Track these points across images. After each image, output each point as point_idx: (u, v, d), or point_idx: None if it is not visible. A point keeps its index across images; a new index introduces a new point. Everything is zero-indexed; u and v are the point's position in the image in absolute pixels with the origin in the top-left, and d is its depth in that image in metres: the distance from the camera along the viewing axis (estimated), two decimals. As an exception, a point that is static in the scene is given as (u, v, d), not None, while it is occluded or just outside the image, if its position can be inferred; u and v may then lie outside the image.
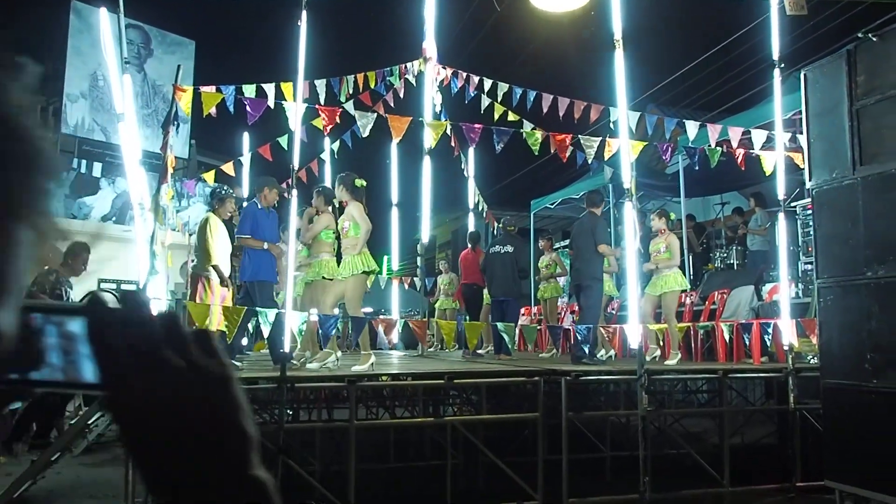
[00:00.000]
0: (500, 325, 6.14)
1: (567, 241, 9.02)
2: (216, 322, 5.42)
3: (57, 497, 6.80)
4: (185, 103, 5.59)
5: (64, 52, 15.45)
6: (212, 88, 5.64)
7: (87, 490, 7.27)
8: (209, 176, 8.33)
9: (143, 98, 15.95)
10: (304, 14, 5.32)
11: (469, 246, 9.32)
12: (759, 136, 6.63)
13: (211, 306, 5.44)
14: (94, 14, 13.87)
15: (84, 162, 14.60)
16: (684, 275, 7.26)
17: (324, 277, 6.51)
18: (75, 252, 6.45)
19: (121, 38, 7.57)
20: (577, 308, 7.61)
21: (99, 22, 8.13)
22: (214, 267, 5.61)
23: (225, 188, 6.08)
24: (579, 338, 6.15)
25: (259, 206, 6.07)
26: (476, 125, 5.83)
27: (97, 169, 14.60)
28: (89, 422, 6.70)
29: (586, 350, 6.34)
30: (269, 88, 6.04)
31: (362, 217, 5.84)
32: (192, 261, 7.37)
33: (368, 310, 10.65)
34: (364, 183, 6.09)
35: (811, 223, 7.23)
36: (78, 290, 7.11)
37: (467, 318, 9.17)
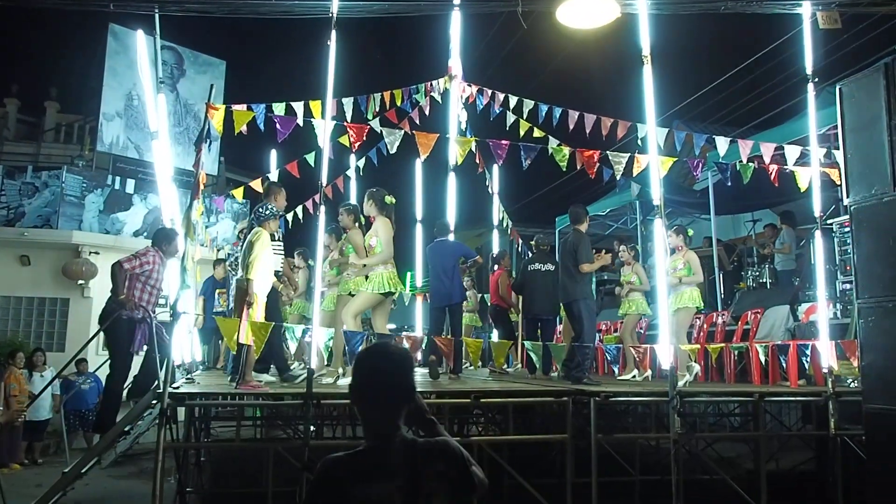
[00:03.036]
0: (528, 343, 6.06)
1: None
2: (245, 337, 5.39)
3: (85, 510, 6.84)
4: (217, 121, 5.63)
5: (101, 73, 15.90)
6: (243, 107, 5.69)
7: (116, 502, 7.34)
8: (238, 192, 8.42)
9: (175, 117, 16.30)
10: (333, 33, 5.36)
11: (492, 267, 9.25)
12: (792, 152, 6.48)
13: (241, 322, 5.42)
14: (130, 36, 14.26)
15: (118, 178, 14.91)
16: (701, 294, 7.05)
17: (350, 294, 6.51)
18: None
19: (156, 59, 7.75)
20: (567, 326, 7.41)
21: (135, 43, 8.36)
22: (248, 280, 5.58)
23: (271, 207, 6.06)
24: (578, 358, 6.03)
25: None
26: (503, 141, 5.78)
27: (130, 185, 14.89)
28: (118, 433, 6.74)
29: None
30: (298, 106, 6.08)
31: (388, 238, 5.83)
32: (232, 273, 7.42)
33: (392, 326, 10.67)
34: (393, 200, 6.10)
35: (848, 241, 7.06)
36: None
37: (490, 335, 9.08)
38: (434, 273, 7.22)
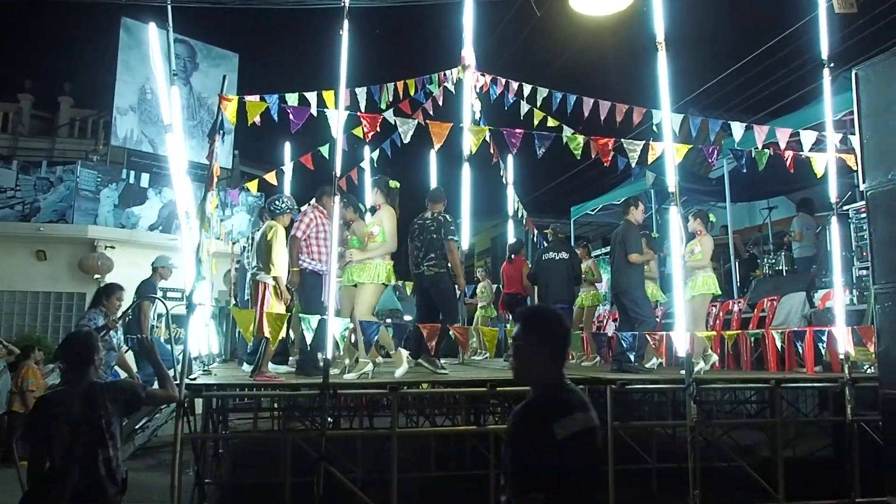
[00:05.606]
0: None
1: (608, 248, 8.89)
2: (261, 328, 5.40)
3: (106, 500, 6.90)
4: (230, 112, 5.64)
5: (114, 67, 15.96)
6: (256, 97, 5.71)
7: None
8: (252, 185, 8.46)
9: (188, 110, 16.34)
10: (345, 23, 5.36)
11: (510, 256, 9.26)
12: (808, 138, 6.43)
13: (255, 313, 5.44)
14: (142, 30, 14.28)
15: (132, 173, 15.01)
16: (717, 279, 7.02)
17: (355, 284, 6.54)
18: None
19: (169, 51, 7.77)
20: (618, 316, 7.47)
21: (147, 37, 8.38)
22: (276, 279, 5.64)
23: (285, 200, 6.07)
24: (625, 345, 6.02)
25: None
26: (517, 130, 5.76)
27: (145, 179, 15.00)
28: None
29: (631, 357, 6.22)
30: (312, 97, 6.09)
31: (392, 230, 5.83)
32: (249, 265, 7.44)
33: (408, 318, 10.60)
34: (398, 185, 6.07)
35: (865, 227, 6.99)
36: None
37: (507, 325, 9.08)
38: None
